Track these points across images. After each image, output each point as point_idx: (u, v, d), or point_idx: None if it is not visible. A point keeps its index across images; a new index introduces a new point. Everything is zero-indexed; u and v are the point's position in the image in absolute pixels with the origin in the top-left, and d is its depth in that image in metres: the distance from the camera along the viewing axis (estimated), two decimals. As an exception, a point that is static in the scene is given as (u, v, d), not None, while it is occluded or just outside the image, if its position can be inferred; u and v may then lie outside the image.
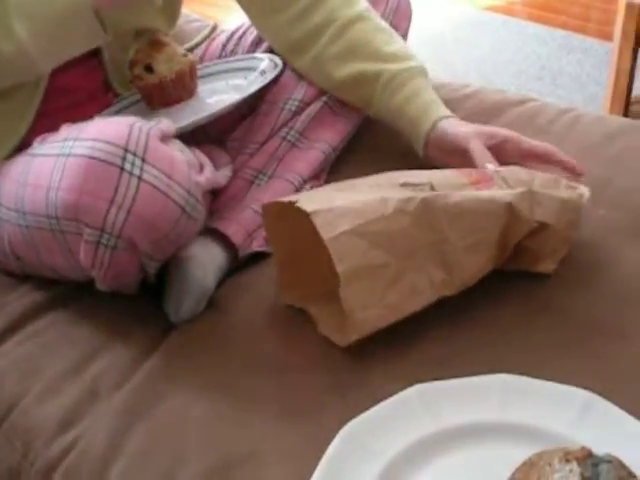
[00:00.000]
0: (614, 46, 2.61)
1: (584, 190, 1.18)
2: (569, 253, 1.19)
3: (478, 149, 1.23)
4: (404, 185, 1.06)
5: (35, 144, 1.20)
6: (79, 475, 0.99)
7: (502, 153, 1.25)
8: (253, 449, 0.96)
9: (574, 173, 1.24)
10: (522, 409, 0.95)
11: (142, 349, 1.13)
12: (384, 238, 1.03)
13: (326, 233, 1.00)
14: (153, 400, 1.04)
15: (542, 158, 1.25)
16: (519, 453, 0.84)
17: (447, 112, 1.31)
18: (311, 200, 1.05)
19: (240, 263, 1.24)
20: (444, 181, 1.10)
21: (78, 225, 1.05)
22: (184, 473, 0.95)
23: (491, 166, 1.19)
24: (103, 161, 1.02)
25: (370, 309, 1.02)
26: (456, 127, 1.27)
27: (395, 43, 1.35)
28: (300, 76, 1.40)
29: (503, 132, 1.27)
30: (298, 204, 1.04)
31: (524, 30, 3.54)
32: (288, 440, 0.97)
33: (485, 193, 1.09)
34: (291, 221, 1.12)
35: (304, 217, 1.09)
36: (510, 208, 1.08)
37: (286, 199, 1.10)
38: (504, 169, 1.17)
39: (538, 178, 1.15)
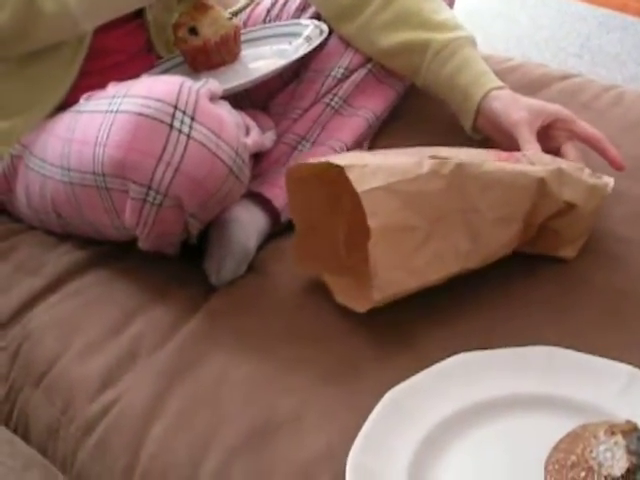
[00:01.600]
0: (656, 25, 2.59)
1: (609, 180, 1.17)
2: (607, 229, 1.19)
3: (525, 140, 1.20)
4: (432, 157, 1.05)
5: (82, 101, 1.20)
6: (119, 434, 1.00)
7: (551, 129, 1.24)
8: (295, 412, 0.96)
9: (614, 165, 1.22)
10: (565, 382, 0.95)
11: (183, 310, 1.13)
12: (416, 199, 1.01)
13: (360, 186, 0.99)
14: (194, 361, 1.05)
15: (588, 142, 1.23)
16: (562, 425, 0.84)
17: (499, 82, 1.28)
18: (344, 158, 1.04)
19: (281, 228, 1.24)
20: (473, 157, 1.09)
21: (125, 182, 1.05)
22: (225, 434, 0.95)
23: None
24: (152, 118, 1.02)
25: (395, 271, 1.01)
26: (509, 109, 1.24)
27: (444, 12, 1.33)
28: (346, 44, 1.38)
29: (556, 111, 1.25)
30: (331, 160, 1.03)
31: (564, 7, 3.51)
32: (330, 404, 0.97)
33: (518, 166, 1.09)
34: (310, 190, 1.12)
35: (323, 185, 1.10)
36: (542, 184, 1.07)
37: (314, 160, 1.09)
38: (531, 154, 1.16)
39: (564, 163, 1.14)
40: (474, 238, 1.05)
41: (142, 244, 1.14)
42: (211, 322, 1.11)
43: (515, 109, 1.23)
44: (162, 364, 1.05)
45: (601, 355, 0.97)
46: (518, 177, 1.07)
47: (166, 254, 1.18)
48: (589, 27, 3.37)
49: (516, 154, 1.14)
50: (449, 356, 0.98)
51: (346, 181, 1.02)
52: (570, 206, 1.10)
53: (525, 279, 1.12)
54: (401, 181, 1.01)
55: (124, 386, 1.04)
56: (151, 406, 1.01)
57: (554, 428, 0.84)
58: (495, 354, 0.98)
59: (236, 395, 1.00)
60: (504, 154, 1.12)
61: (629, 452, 0.75)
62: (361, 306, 1.05)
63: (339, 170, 1.03)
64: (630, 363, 0.95)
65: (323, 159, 1.06)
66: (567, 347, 0.98)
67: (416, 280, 1.03)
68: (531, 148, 1.18)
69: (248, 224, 1.18)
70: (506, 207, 1.06)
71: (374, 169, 1.01)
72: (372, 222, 0.98)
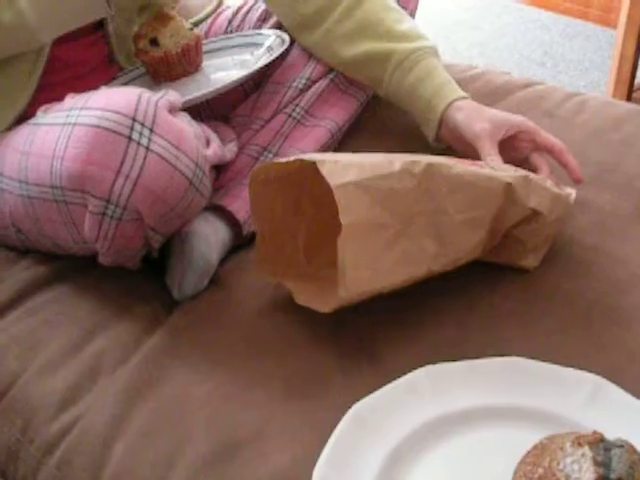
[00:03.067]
0: (618, 32, 2.62)
1: (571, 191, 1.19)
2: (574, 237, 1.19)
3: (486, 152, 1.20)
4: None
5: (39, 113, 1.18)
6: (80, 454, 0.98)
7: (515, 140, 1.25)
8: (259, 429, 0.95)
9: (573, 177, 1.22)
10: (531, 392, 0.94)
11: (144, 326, 1.11)
12: (387, 197, 1.00)
13: (333, 180, 0.97)
14: (156, 378, 1.03)
15: (551, 153, 1.23)
16: (529, 437, 0.83)
17: (462, 93, 1.28)
18: (314, 156, 1.03)
19: (244, 241, 1.23)
20: (442, 162, 1.08)
21: (83, 195, 1.03)
22: (188, 453, 0.94)
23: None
24: (111, 131, 1.00)
25: (362, 269, 0.99)
26: (472, 121, 1.24)
27: (406, 22, 1.33)
28: (309, 55, 1.38)
29: (519, 123, 1.25)
30: (302, 157, 1.02)
31: (527, 15, 3.54)
32: (294, 420, 0.96)
33: (486, 170, 1.08)
34: (273, 193, 1.11)
35: (286, 190, 1.09)
36: (509, 189, 1.07)
37: (284, 159, 1.07)
38: (493, 164, 1.16)
39: (529, 174, 1.14)
40: (441, 241, 1.04)
41: (102, 258, 1.12)
42: (173, 338, 1.09)
43: (477, 121, 1.23)
44: (124, 382, 1.03)
45: (567, 364, 0.97)
46: (486, 181, 1.06)
47: (127, 269, 1.17)
48: (551, 35, 3.39)
49: (479, 163, 1.14)
50: (415, 369, 0.97)
51: (310, 183, 1.00)
52: (535, 214, 1.11)
53: (491, 289, 1.12)
54: (373, 177, 0.99)
55: (85, 405, 1.02)
56: (113, 425, 0.99)
57: (521, 440, 0.83)
58: (460, 366, 0.97)
59: (199, 413, 0.98)
60: (467, 161, 1.12)
61: (596, 463, 0.74)
62: (324, 307, 1.03)
63: (304, 172, 1.01)
64: (596, 371, 0.95)
65: (293, 157, 1.05)
66: (533, 357, 0.98)
67: (383, 280, 1.02)
68: (492, 160, 1.18)
69: (210, 237, 1.16)
70: (474, 210, 1.06)
71: (346, 164, 0.99)
72: (344, 218, 0.96)
